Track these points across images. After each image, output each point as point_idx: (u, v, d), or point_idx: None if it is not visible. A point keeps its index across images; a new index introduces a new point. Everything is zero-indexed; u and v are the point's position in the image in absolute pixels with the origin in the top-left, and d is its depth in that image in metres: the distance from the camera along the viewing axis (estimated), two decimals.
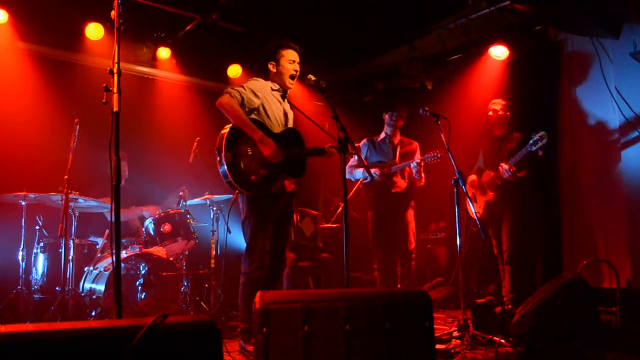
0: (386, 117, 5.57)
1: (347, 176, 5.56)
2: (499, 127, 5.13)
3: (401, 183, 5.43)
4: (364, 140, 5.69)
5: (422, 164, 5.17)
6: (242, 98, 3.63)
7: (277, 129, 3.79)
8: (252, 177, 3.55)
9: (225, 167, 3.48)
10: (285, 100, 3.95)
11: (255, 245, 3.65)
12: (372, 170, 5.31)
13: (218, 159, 3.52)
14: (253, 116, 3.72)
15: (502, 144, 5.03)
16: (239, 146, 3.56)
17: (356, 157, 5.54)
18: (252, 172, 3.56)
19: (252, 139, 3.56)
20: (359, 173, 5.50)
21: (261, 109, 3.73)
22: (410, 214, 5.49)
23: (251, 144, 3.59)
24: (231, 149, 3.52)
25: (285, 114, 3.90)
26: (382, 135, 5.60)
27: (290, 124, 3.95)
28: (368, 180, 5.45)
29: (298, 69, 3.87)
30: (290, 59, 3.84)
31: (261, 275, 3.64)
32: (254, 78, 3.84)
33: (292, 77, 3.86)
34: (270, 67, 3.88)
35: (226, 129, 3.59)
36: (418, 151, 5.48)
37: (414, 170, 5.22)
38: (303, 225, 6.35)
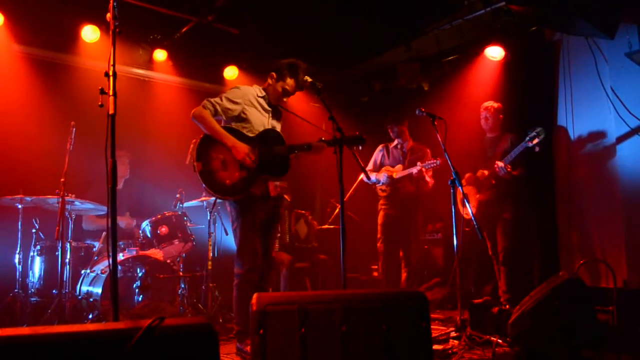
0: (389, 131, 5.73)
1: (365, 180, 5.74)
2: (491, 130, 5.15)
3: (409, 188, 5.52)
4: (380, 146, 5.86)
5: (423, 170, 5.26)
6: (215, 109, 3.66)
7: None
8: (226, 181, 3.58)
9: (199, 176, 3.53)
10: (275, 106, 3.94)
11: (245, 248, 3.68)
12: (382, 174, 5.51)
13: (193, 169, 3.56)
14: (233, 124, 3.73)
15: (496, 145, 5.05)
16: (210, 153, 3.60)
17: (371, 162, 5.79)
18: (227, 177, 3.58)
19: (225, 144, 3.59)
20: (373, 177, 5.62)
21: (242, 115, 3.73)
22: (418, 218, 5.63)
23: (225, 149, 3.61)
24: (202, 158, 3.57)
25: (272, 121, 3.90)
26: (395, 142, 5.74)
27: (278, 128, 3.94)
28: (380, 183, 5.60)
29: (287, 99, 3.92)
30: (288, 88, 3.84)
31: (254, 277, 3.67)
32: (236, 86, 3.84)
33: (278, 99, 3.90)
34: (270, 78, 3.88)
35: (198, 138, 3.63)
36: (427, 157, 5.51)
37: (414, 175, 5.33)
38: (298, 228, 6.35)
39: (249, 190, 3.63)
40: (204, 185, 3.55)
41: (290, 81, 3.83)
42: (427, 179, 5.35)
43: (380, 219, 5.64)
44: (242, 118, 3.73)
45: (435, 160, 5.15)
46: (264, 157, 3.67)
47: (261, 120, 3.81)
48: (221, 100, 3.70)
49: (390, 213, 5.57)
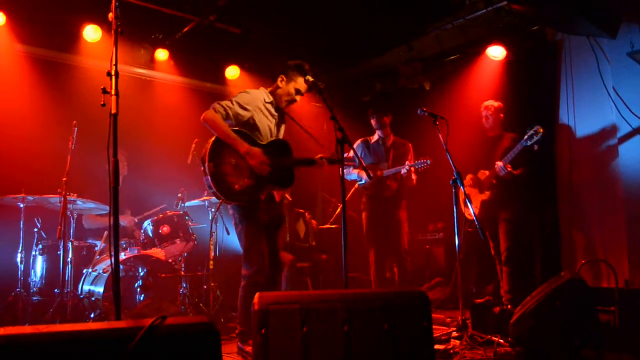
0: (372, 122, 5.58)
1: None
2: (492, 129, 5.14)
3: (393, 185, 5.41)
4: (358, 142, 5.67)
5: (412, 169, 5.18)
6: (227, 113, 3.62)
7: (267, 140, 3.77)
8: (235, 186, 3.55)
9: (209, 177, 3.47)
10: (281, 111, 3.93)
11: (252, 250, 3.66)
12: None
13: (202, 169, 3.52)
14: (240, 128, 3.69)
15: (496, 144, 5.04)
16: (223, 156, 3.55)
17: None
18: (236, 182, 3.56)
19: (238, 150, 3.56)
20: (353, 175, 5.50)
21: (251, 121, 3.71)
22: (403, 215, 5.48)
23: (236, 154, 3.58)
24: (214, 159, 3.51)
25: (278, 125, 3.89)
26: (376, 136, 5.60)
27: (281, 135, 3.94)
28: (362, 182, 5.47)
29: (298, 100, 3.88)
30: (298, 88, 3.83)
31: (261, 279, 3.65)
32: (246, 90, 3.81)
33: (289, 102, 3.87)
34: (279, 80, 3.85)
35: (211, 140, 3.58)
36: (410, 153, 5.47)
37: (403, 175, 5.24)
38: (297, 227, 6.36)
39: (255, 197, 3.63)
40: (212, 187, 3.49)
41: (301, 80, 3.82)
42: (413, 176, 5.27)
43: (364, 219, 5.53)
44: (250, 124, 3.71)
45: (425, 160, 5.06)
46: (273, 166, 3.65)
47: (268, 126, 3.79)
48: (232, 104, 3.66)
49: (375, 212, 5.45)
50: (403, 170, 5.19)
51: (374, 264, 5.49)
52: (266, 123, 3.78)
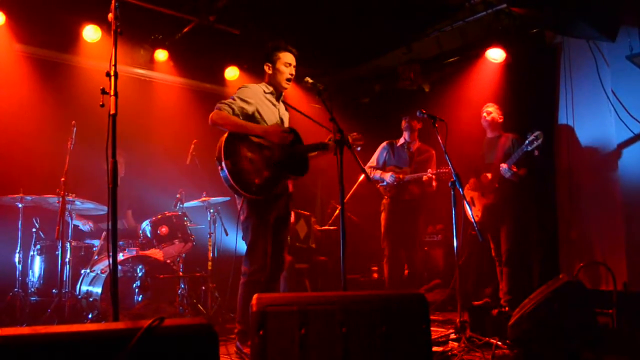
0: (403, 122, 5.66)
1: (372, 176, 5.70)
2: (492, 131, 5.17)
3: (414, 190, 5.51)
4: (384, 144, 5.80)
5: (433, 177, 5.27)
6: (232, 109, 3.64)
7: None
8: (255, 180, 3.54)
9: (227, 174, 3.45)
10: (280, 101, 3.95)
11: (256, 247, 3.64)
12: (389, 175, 5.46)
13: (219, 167, 3.50)
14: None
15: (496, 144, 5.07)
16: (238, 152, 3.55)
17: (374, 159, 5.76)
18: (256, 176, 3.55)
19: (252, 142, 3.57)
20: (377, 175, 5.59)
21: (256, 114, 3.72)
22: (421, 219, 5.63)
23: (251, 147, 3.58)
24: (231, 156, 3.50)
25: (281, 116, 3.91)
26: (402, 140, 5.71)
27: (286, 125, 3.94)
28: (385, 183, 5.54)
29: (294, 72, 3.85)
30: (286, 62, 3.82)
31: (262, 277, 3.64)
32: (244, 85, 3.83)
33: (287, 80, 3.84)
34: (266, 68, 3.87)
35: (223, 137, 3.57)
36: (433, 160, 5.53)
37: (425, 181, 5.37)
38: (298, 227, 6.35)
39: (274, 190, 3.62)
40: (232, 185, 3.46)
41: (284, 55, 3.82)
42: (434, 183, 5.40)
43: (383, 219, 5.61)
44: (256, 117, 3.72)
45: (446, 170, 5.14)
46: (285, 155, 3.65)
47: (274, 116, 3.81)
48: (234, 100, 3.68)
49: (394, 213, 5.53)
50: (425, 177, 5.33)
51: (388, 265, 5.52)
52: (271, 114, 3.81)
